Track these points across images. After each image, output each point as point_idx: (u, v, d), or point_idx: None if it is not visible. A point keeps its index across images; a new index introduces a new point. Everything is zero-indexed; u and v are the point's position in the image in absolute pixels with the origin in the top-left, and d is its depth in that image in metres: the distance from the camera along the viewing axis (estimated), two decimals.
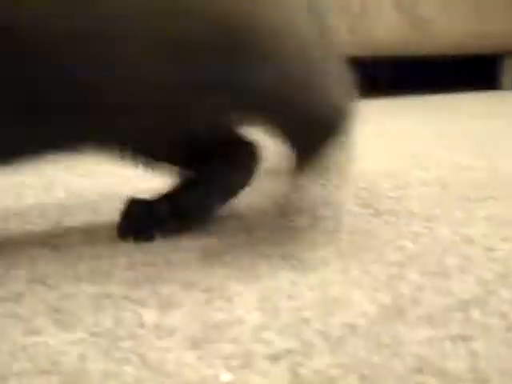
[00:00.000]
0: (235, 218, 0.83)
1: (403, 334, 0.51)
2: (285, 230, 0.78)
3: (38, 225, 0.81)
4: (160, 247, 0.73)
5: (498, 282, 0.62)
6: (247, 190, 0.87)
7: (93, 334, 0.52)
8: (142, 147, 0.76)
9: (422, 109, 2.09)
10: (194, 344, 0.51)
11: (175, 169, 0.80)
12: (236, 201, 0.91)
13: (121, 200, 0.92)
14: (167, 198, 0.78)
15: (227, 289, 0.61)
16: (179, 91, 0.65)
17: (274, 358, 0.48)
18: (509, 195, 0.94)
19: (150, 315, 0.55)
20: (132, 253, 0.71)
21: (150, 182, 1.01)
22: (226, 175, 0.80)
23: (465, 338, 0.50)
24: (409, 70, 2.97)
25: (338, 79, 0.75)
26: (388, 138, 1.47)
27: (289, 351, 0.49)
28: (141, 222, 0.76)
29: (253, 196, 0.94)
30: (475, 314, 0.55)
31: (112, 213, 0.86)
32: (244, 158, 0.82)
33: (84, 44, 0.61)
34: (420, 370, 0.46)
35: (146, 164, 0.78)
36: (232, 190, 0.81)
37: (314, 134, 0.75)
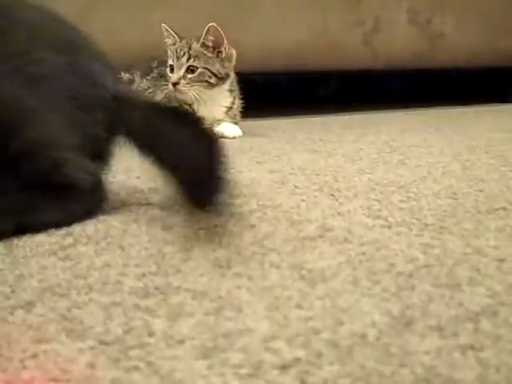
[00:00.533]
0: (246, 228, 0.83)
1: (412, 344, 0.51)
2: (295, 240, 0.78)
3: (49, 234, 0.81)
4: (170, 257, 0.73)
5: (508, 293, 0.62)
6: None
7: (102, 343, 0.52)
8: None
9: (434, 121, 2.09)
10: (204, 353, 0.51)
11: None
12: (247, 211, 0.91)
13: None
14: None
15: (237, 298, 0.61)
16: None
17: (283, 368, 0.48)
18: None
19: (159, 324, 0.56)
20: (142, 262, 0.71)
21: None
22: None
23: (474, 348, 0.50)
24: (422, 82, 2.97)
25: None
26: (400, 150, 1.47)
27: (298, 360, 0.49)
28: None
29: (263, 207, 0.94)
30: (485, 324, 0.55)
31: (124, 222, 0.86)
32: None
33: None
34: (428, 380, 0.46)
35: None
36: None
37: None
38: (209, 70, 1.70)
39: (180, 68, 1.69)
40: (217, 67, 1.71)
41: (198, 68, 1.69)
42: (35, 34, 0.90)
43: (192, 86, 1.69)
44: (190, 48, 1.69)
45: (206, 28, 1.68)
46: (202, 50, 1.70)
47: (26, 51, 0.86)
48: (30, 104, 0.83)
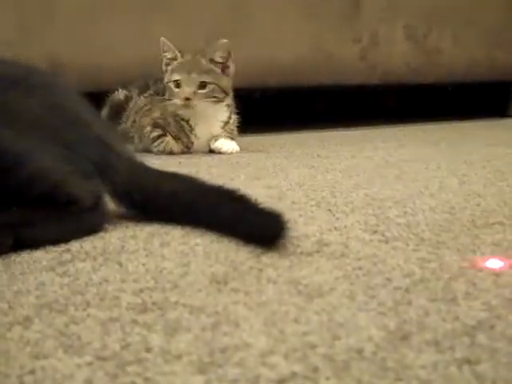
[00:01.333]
0: (243, 243, 0.83)
1: (409, 358, 0.51)
2: (292, 255, 0.78)
3: (47, 251, 0.82)
4: (168, 272, 0.73)
5: (505, 307, 0.62)
6: None
7: (100, 358, 0.52)
8: None
9: (432, 136, 2.09)
10: (201, 368, 0.51)
11: None
12: None
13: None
14: None
15: (234, 313, 0.61)
16: None
17: (280, 382, 0.48)
18: None
19: (157, 339, 0.56)
20: (140, 278, 0.71)
21: None
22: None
23: (471, 362, 0.50)
24: (419, 97, 2.98)
25: None
26: (397, 165, 1.47)
27: (294, 375, 0.49)
28: None
29: None
30: (481, 338, 0.55)
31: (122, 238, 0.87)
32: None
33: None
34: None
35: None
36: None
37: None
38: (218, 86, 1.71)
39: (191, 83, 1.69)
40: (224, 83, 1.72)
41: (208, 83, 1.70)
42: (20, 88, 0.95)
43: (205, 101, 1.70)
44: (199, 63, 1.70)
45: (218, 44, 1.69)
46: (211, 65, 1.71)
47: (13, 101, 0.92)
48: (22, 145, 0.87)
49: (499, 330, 0.56)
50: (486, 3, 2.58)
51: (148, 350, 0.54)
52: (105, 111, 1.86)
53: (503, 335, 0.55)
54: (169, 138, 1.75)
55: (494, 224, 0.93)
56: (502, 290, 0.66)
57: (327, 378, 0.49)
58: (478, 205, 1.05)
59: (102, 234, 0.89)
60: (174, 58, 1.72)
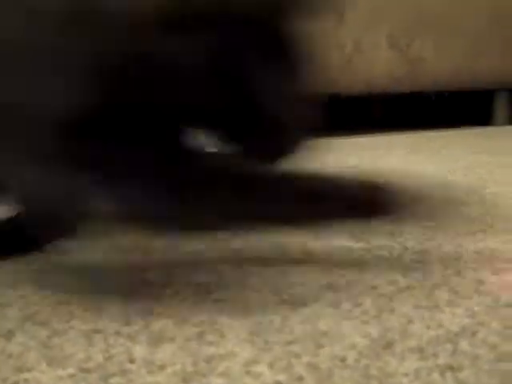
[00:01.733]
0: (227, 252, 0.83)
1: (391, 365, 0.52)
2: (276, 264, 0.79)
3: (29, 261, 0.81)
4: (152, 283, 0.73)
5: (487, 313, 0.62)
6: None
7: (83, 370, 0.52)
8: None
9: (415, 145, 2.10)
10: (185, 378, 0.51)
11: None
12: (228, 235, 0.92)
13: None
14: None
15: (218, 323, 0.61)
16: None
17: None
18: (498, 229, 0.95)
19: (140, 350, 0.56)
20: (123, 288, 0.71)
21: None
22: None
23: (453, 369, 0.50)
24: (402, 106, 2.99)
25: None
26: (381, 173, 1.48)
27: None
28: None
29: (245, 230, 0.95)
30: (464, 344, 0.55)
31: (107, 250, 0.86)
32: None
33: None
34: None
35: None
36: None
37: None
38: None
39: None
40: None
41: None
42: None
43: None
44: None
45: None
46: None
47: None
48: None
49: (481, 337, 0.57)
50: (469, 12, 2.60)
51: (131, 360, 0.54)
52: None
53: (485, 342, 0.56)
54: None
55: (476, 232, 0.93)
56: (484, 297, 0.67)
57: None
58: (461, 212, 1.05)
59: (85, 243, 0.89)
60: None
